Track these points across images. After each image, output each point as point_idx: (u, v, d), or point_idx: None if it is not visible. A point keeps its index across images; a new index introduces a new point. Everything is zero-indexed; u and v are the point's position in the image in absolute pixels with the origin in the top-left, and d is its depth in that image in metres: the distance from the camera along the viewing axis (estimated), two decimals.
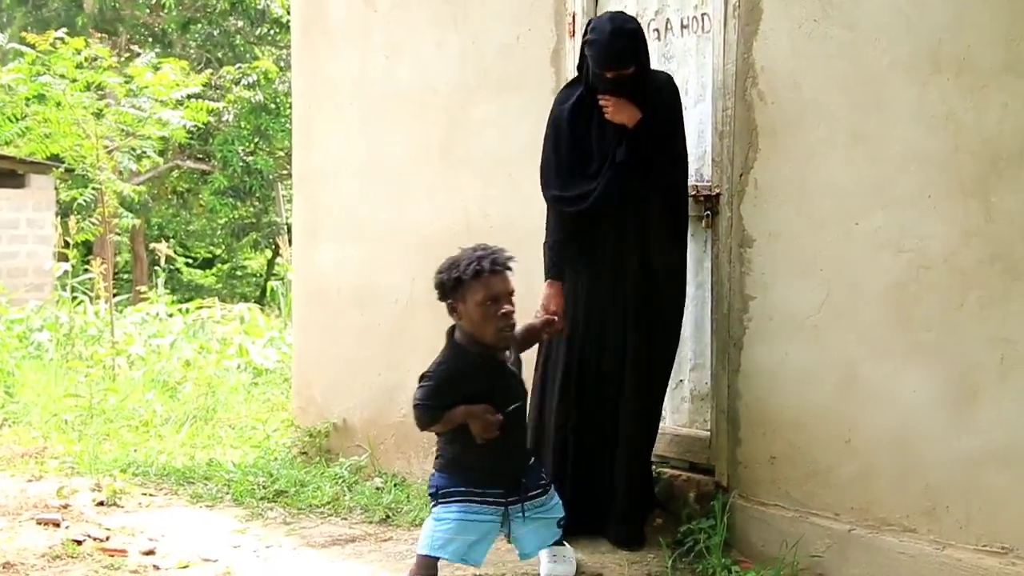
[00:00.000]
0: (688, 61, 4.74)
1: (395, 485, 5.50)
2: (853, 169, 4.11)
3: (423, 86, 5.74)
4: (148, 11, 21.52)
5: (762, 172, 4.35)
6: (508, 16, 5.38)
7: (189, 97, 12.59)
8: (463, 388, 3.74)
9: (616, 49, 4.25)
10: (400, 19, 5.86)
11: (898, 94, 3.98)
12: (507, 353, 3.84)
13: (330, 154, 6.21)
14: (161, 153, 14.61)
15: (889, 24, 4.00)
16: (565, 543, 4.19)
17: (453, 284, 3.74)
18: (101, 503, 5.15)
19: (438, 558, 3.75)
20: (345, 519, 5.05)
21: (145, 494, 5.36)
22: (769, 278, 4.35)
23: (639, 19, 4.87)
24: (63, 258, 14.52)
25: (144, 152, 12.61)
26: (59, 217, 15.79)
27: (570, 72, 5.10)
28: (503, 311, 3.72)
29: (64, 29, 12.61)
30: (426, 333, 5.70)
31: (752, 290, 4.40)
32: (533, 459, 3.98)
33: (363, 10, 6.04)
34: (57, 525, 4.72)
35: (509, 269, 3.73)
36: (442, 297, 3.79)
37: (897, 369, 3.97)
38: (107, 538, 4.61)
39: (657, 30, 4.84)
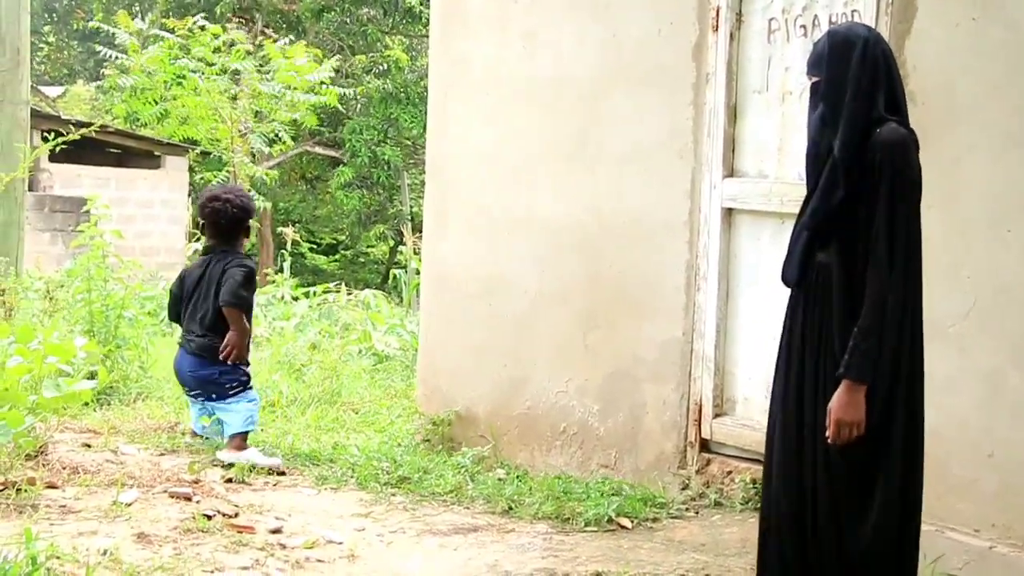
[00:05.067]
0: None
1: (517, 477, 5.49)
2: (1007, 174, 3.97)
3: (559, 76, 5.71)
4: None
5: None
6: (650, 8, 5.32)
7: (321, 83, 12.83)
8: None
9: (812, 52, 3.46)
10: (539, 8, 5.84)
11: None
12: None
13: (464, 142, 6.22)
14: (293, 138, 14.86)
15: None
16: None
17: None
18: (230, 480, 5.24)
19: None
20: (467, 508, 5.06)
21: (272, 473, 5.43)
22: None
23: (785, 14, 4.80)
24: (194, 238, 14.90)
25: (278, 135, 12.84)
26: (192, 198, 16.21)
27: (711, 67, 5.03)
28: None
29: (203, 14, 12.92)
30: (553, 325, 5.70)
31: None
32: None
33: None
34: (189, 499, 4.81)
35: None
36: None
37: None
38: (236, 514, 4.67)
39: (804, 26, 4.74)
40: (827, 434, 3.26)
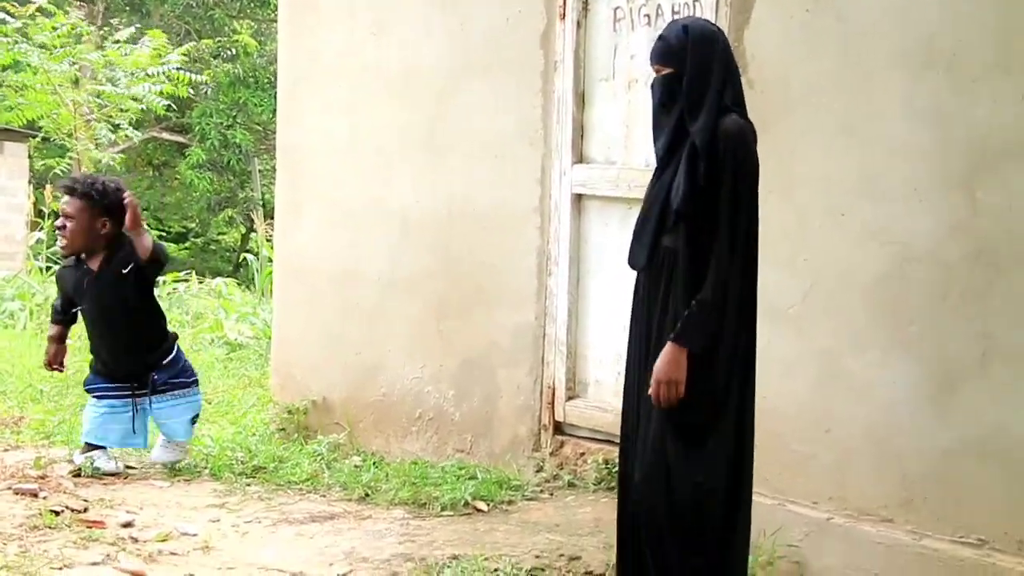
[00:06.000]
0: None
1: (374, 464, 5.50)
2: (841, 161, 4.13)
3: (410, 66, 5.72)
4: None
5: None
6: None
7: (167, 77, 12.55)
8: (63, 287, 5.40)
9: (658, 40, 3.55)
10: None
11: (888, 88, 4.00)
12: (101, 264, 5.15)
13: (315, 131, 6.19)
14: (138, 124, 14.50)
15: (881, 18, 4.02)
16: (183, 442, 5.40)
17: None
18: (78, 474, 5.13)
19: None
20: (324, 496, 5.05)
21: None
22: None
23: (630, 3, 4.90)
24: (36, 227, 14.42)
25: (120, 125, 12.53)
26: (32, 186, 15.69)
27: (559, 55, 5.11)
28: (56, 224, 5.16)
29: None
30: (407, 313, 5.73)
31: None
32: (168, 360, 5.34)
33: None
34: (35, 495, 4.69)
35: (73, 195, 5.02)
36: None
37: (879, 361, 4.01)
38: (85, 509, 4.58)
39: (648, 15, 4.85)
40: (649, 392, 3.40)
